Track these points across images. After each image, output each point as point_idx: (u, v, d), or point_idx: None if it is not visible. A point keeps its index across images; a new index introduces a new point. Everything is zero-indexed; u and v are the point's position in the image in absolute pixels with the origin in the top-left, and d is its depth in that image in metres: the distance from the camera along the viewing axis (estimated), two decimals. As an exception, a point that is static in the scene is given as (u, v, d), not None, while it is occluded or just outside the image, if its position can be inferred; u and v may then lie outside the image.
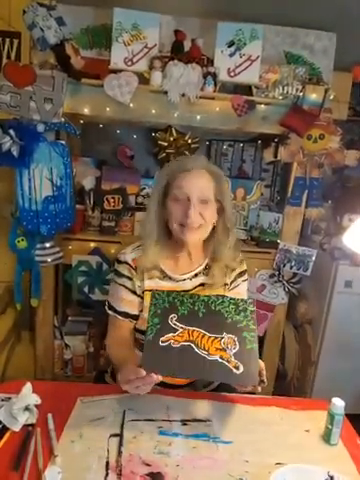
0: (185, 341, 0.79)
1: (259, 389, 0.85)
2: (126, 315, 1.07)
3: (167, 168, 1.10)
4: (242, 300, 0.85)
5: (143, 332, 1.03)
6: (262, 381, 0.85)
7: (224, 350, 0.79)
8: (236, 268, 1.14)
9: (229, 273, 1.12)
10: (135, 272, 1.07)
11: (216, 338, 0.80)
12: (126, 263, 1.08)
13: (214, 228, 1.10)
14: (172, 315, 0.82)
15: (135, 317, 1.08)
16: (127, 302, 1.07)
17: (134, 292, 1.07)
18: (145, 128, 2.06)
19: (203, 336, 0.80)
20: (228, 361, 0.78)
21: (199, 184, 1.03)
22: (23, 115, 1.52)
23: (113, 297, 1.10)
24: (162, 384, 1.08)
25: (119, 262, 1.10)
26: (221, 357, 0.79)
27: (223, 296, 0.85)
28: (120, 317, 1.07)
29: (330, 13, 1.80)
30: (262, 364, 0.82)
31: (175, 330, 0.80)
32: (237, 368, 0.78)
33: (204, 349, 0.79)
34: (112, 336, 1.09)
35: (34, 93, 1.50)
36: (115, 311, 1.08)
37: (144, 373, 0.76)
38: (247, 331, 0.82)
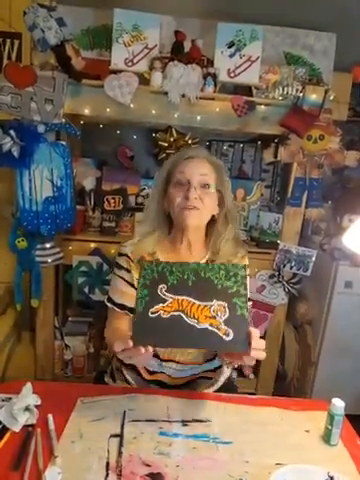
0: (175, 311, 0.78)
1: (253, 361, 0.81)
2: (123, 307, 1.06)
3: (170, 158, 1.14)
4: (233, 265, 0.83)
5: None
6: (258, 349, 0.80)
7: (214, 317, 0.78)
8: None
9: None
10: (133, 264, 1.07)
11: (206, 306, 0.79)
12: (125, 255, 1.08)
13: (215, 220, 1.10)
14: (161, 285, 0.80)
15: (132, 310, 1.08)
16: (125, 294, 1.06)
17: (132, 285, 1.06)
18: (145, 129, 2.06)
19: (193, 305, 0.79)
20: (218, 328, 0.77)
21: (200, 170, 1.05)
22: (24, 116, 1.52)
23: (112, 289, 1.10)
24: (162, 385, 1.09)
25: (119, 255, 1.11)
26: (211, 325, 0.77)
27: (213, 264, 0.83)
28: (117, 309, 1.06)
29: (330, 14, 1.80)
30: (255, 332, 0.78)
31: (164, 300, 0.79)
32: (227, 335, 0.77)
33: (194, 318, 0.78)
34: (111, 328, 1.09)
35: (35, 94, 1.50)
36: (113, 303, 1.07)
37: (131, 344, 0.75)
38: (237, 297, 0.79)
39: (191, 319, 0.78)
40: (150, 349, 0.77)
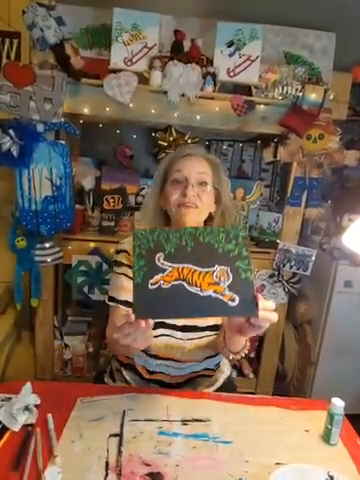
0: (175, 280, 0.74)
1: (262, 326, 0.76)
2: (128, 304, 1.02)
3: (167, 156, 1.14)
4: (232, 227, 0.79)
5: None
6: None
7: (217, 284, 0.74)
8: None
9: None
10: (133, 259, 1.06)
11: (207, 272, 0.75)
12: (124, 252, 1.07)
13: (212, 218, 1.11)
14: (158, 254, 0.75)
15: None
16: (128, 291, 1.02)
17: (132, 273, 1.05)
18: (145, 128, 2.06)
19: (194, 272, 0.75)
20: (222, 294, 0.74)
21: (197, 168, 1.05)
22: (23, 115, 1.52)
23: (113, 288, 1.07)
24: (162, 384, 1.08)
25: (117, 252, 1.09)
26: (215, 291, 0.74)
27: (211, 227, 0.79)
28: (122, 306, 1.03)
29: (330, 13, 1.80)
30: (259, 295, 0.75)
31: (164, 270, 0.75)
32: (232, 300, 0.73)
33: (196, 285, 0.74)
34: (113, 327, 1.07)
35: (34, 93, 1.50)
36: (116, 301, 1.05)
37: (133, 318, 0.71)
38: (240, 260, 0.75)
39: (193, 287, 0.74)
40: (151, 323, 0.74)
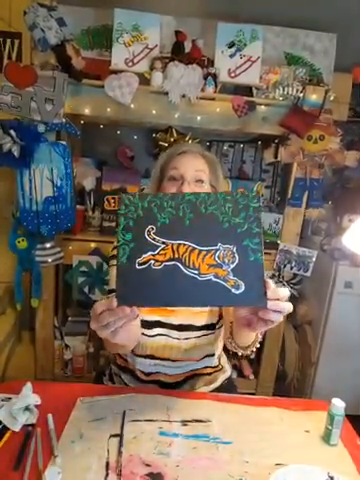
0: (168, 260, 0.61)
1: (274, 319, 0.64)
2: None
3: (163, 153, 1.13)
4: (242, 195, 0.64)
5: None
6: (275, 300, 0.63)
7: (219, 266, 0.61)
8: None
9: None
10: None
11: (209, 252, 0.62)
12: None
13: None
14: (149, 227, 0.62)
15: None
16: None
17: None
18: (145, 129, 2.06)
19: (192, 251, 0.62)
20: (225, 280, 0.61)
21: (194, 165, 1.04)
22: (24, 115, 1.52)
23: (111, 281, 1.06)
24: (160, 384, 1.08)
25: (115, 247, 1.10)
26: (216, 275, 0.61)
27: (216, 193, 0.65)
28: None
29: (330, 14, 1.80)
30: (270, 282, 0.63)
31: (155, 247, 0.62)
32: (237, 287, 0.61)
33: (194, 267, 0.61)
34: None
35: (35, 94, 1.50)
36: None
37: (115, 304, 0.60)
38: (250, 237, 0.63)
39: (190, 269, 0.62)
40: (136, 311, 0.63)
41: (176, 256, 0.62)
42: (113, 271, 1.06)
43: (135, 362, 1.07)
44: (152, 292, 0.61)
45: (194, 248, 0.62)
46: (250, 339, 0.89)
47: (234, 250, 0.62)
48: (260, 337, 0.90)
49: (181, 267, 0.62)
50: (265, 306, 0.62)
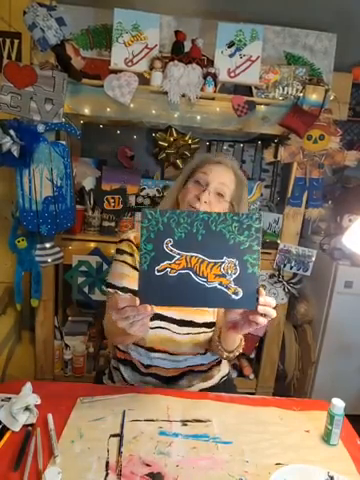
0: (182, 269, 0.73)
1: (260, 322, 0.77)
2: (127, 290, 1.04)
3: (200, 155, 1.16)
4: (247, 216, 0.75)
5: None
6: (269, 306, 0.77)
7: (224, 276, 0.74)
8: None
9: None
10: (136, 248, 1.07)
11: (216, 264, 0.74)
12: (128, 240, 1.09)
13: None
14: (167, 240, 0.73)
15: (135, 293, 1.07)
16: (127, 277, 1.05)
17: (135, 268, 1.06)
18: (145, 128, 2.06)
19: (202, 262, 0.74)
20: (227, 287, 0.74)
21: (222, 178, 1.05)
22: (24, 115, 1.52)
23: (113, 275, 1.08)
24: (158, 377, 1.09)
25: (121, 241, 1.12)
26: (220, 283, 0.74)
27: (225, 213, 0.76)
28: (120, 293, 1.04)
29: (330, 14, 1.80)
30: (262, 291, 0.76)
31: (171, 257, 0.73)
32: (236, 294, 0.74)
33: (203, 276, 0.74)
34: (111, 312, 1.07)
35: (35, 93, 1.50)
36: (115, 287, 1.06)
37: (138, 302, 0.72)
38: (250, 253, 0.74)
39: (200, 278, 0.74)
40: (154, 309, 0.74)
41: (189, 266, 0.74)
42: (116, 266, 1.09)
43: (135, 353, 1.09)
44: (168, 294, 0.74)
45: (204, 260, 0.74)
46: (235, 343, 1.01)
47: (236, 263, 0.74)
48: (243, 344, 1.04)
49: (192, 275, 0.74)
50: (256, 309, 0.75)
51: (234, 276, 0.74)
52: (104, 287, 1.10)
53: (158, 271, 0.73)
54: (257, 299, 0.74)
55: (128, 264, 1.07)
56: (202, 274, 0.74)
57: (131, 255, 1.08)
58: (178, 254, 0.74)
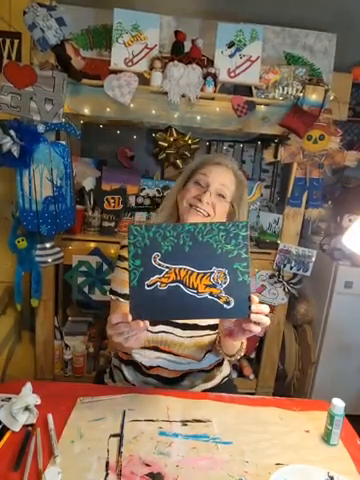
0: (172, 282, 0.73)
1: (253, 330, 0.76)
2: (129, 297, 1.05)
3: (200, 157, 1.16)
4: (233, 224, 0.74)
5: None
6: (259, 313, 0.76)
7: (214, 286, 0.73)
8: None
9: None
10: None
11: (205, 274, 0.73)
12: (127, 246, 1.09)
13: None
14: (155, 254, 0.73)
15: None
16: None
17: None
18: (145, 129, 2.06)
19: (191, 274, 0.73)
20: (218, 297, 0.73)
21: (222, 179, 1.06)
22: (23, 115, 1.52)
23: (116, 281, 1.09)
24: (160, 379, 1.08)
25: (122, 248, 1.12)
26: (211, 294, 0.73)
27: (211, 223, 0.75)
28: (122, 300, 1.05)
29: (330, 14, 1.80)
30: (255, 298, 0.75)
31: (160, 271, 0.73)
32: (228, 303, 0.73)
33: (193, 287, 0.73)
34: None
35: (34, 93, 1.50)
36: (117, 294, 1.06)
37: (131, 318, 0.72)
38: (239, 262, 0.73)
39: (190, 289, 0.73)
40: (147, 324, 0.75)
41: (178, 278, 0.73)
42: (118, 273, 1.09)
43: (138, 355, 1.09)
44: (160, 308, 0.74)
45: (193, 271, 0.74)
46: (235, 348, 1.02)
47: (226, 272, 0.74)
48: (244, 348, 1.04)
49: (182, 287, 0.73)
50: (248, 317, 0.74)
51: (224, 285, 0.74)
52: (108, 293, 1.10)
53: (148, 286, 0.73)
54: (249, 307, 0.74)
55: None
56: (192, 286, 0.73)
57: None
58: (167, 267, 0.73)
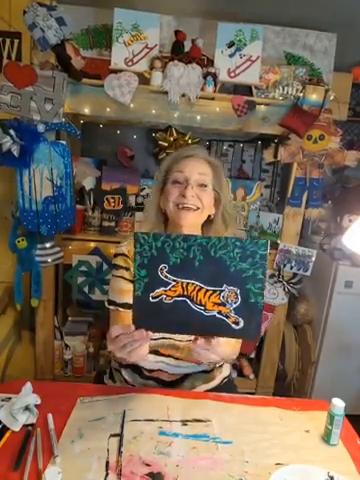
0: (178, 296, 0.69)
1: (203, 354, 0.78)
2: (128, 306, 1.03)
3: (169, 156, 1.15)
4: (251, 242, 0.68)
5: None
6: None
7: (223, 305, 0.69)
8: None
9: None
10: (131, 261, 1.05)
11: (215, 291, 0.69)
12: (122, 254, 1.08)
13: (212, 221, 1.11)
14: (162, 265, 0.69)
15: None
16: (127, 293, 1.03)
17: (133, 281, 1.06)
18: (145, 128, 2.06)
19: (199, 289, 0.69)
20: (227, 316, 0.69)
21: (198, 169, 1.05)
22: (24, 115, 1.52)
23: (113, 291, 1.08)
24: (159, 381, 1.08)
25: (115, 256, 1.11)
26: (219, 312, 0.69)
27: (227, 238, 0.70)
28: (121, 309, 1.04)
29: (330, 14, 1.80)
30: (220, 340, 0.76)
31: (167, 284, 0.69)
32: (237, 323, 0.69)
33: (200, 304, 0.69)
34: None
35: (35, 93, 1.50)
36: (116, 304, 1.05)
37: (133, 328, 0.70)
38: (253, 282, 0.68)
39: (197, 306, 0.70)
40: (150, 334, 0.72)
41: (185, 293, 0.70)
42: (114, 282, 1.08)
43: None
44: (165, 321, 0.71)
45: (201, 287, 0.70)
46: (224, 354, 0.96)
47: (238, 292, 0.70)
48: (237, 351, 1.04)
49: (189, 303, 0.70)
50: (256, 342, 0.77)
51: (235, 305, 0.70)
52: (106, 304, 1.09)
53: (152, 297, 0.70)
54: (259, 331, 0.71)
55: (126, 279, 1.06)
56: (200, 302, 0.70)
57: (127, 269, 1.06)
58: (174, 281, 0.70)
